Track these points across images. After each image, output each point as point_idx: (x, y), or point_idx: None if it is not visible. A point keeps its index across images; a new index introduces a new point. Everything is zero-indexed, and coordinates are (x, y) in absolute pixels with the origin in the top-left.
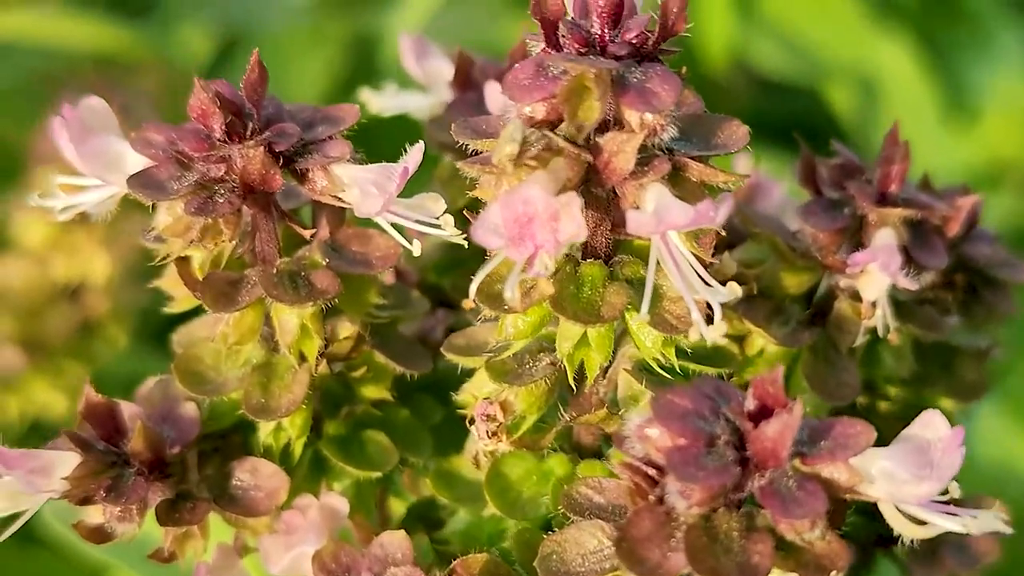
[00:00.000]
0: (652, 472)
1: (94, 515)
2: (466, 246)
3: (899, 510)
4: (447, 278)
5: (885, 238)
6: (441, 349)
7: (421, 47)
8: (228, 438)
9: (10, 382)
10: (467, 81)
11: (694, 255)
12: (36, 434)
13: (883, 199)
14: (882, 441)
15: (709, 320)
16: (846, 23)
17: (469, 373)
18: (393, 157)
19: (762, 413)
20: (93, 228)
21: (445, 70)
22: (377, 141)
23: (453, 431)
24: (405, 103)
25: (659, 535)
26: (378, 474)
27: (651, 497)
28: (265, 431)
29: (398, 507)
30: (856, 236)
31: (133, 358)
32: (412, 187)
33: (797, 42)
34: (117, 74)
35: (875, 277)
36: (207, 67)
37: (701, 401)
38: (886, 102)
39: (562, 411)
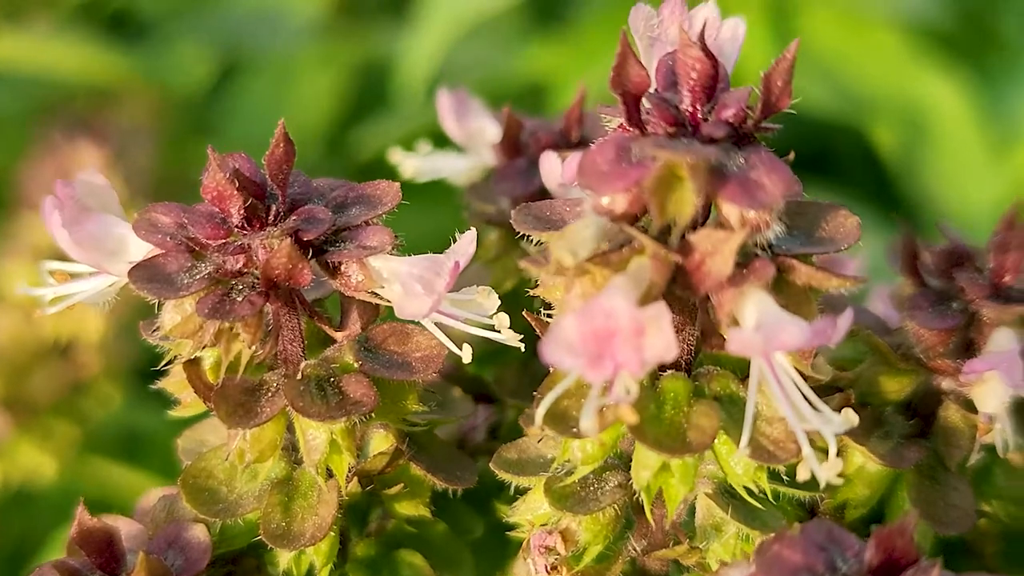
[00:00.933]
0: None
1: None
2: (522, 348)
3: None
4: (488, 368)
5: (1006, 341)
6: (491, 465)
7: (461, 105)
8: (241, 562)
9: None
10: (515, 145)
11: (796, 369)
12: (21, 501)
13: (999, 293)
14: (983, 565)
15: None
16: (889, 58)
17: (518, 488)
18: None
19: (887, 570)
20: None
21: (488, 130)
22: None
23: (495, 545)
24: (442, 167)
25: None
26: None
27: None
28: (285, 556)
29: None
30: (967, 334)
31: (129, 411)
32: None
33: (837, 75)
34: (112, 102)
35: (995, 387)
36: (208, 92)
37: (813, 553)
38: (929, 135)
39: (632, 539)
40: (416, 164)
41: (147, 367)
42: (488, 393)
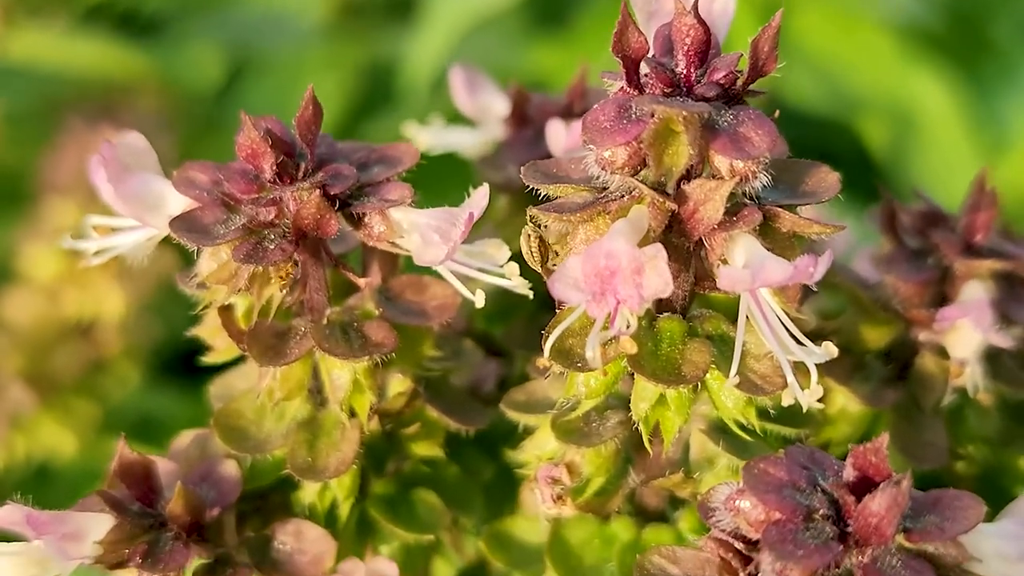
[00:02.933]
0: (742, 547)
1: None
2: (530, 296)
3: None
4: (497, 326)
5: (976, 291)
6: (500, 405)
7: (472, 81)
8: (268, 498)
9: (18, 421)
10: (523, 117)
11: (784, 311)
12: (41, 477)
13: (970, 249)
14: None
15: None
16: (880, 56)
17: (526, 430)
18: (431, 190)
19: (864, 485)
20: (106, 263)
21: (497, 105)
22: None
23: (503, 488)
24: (454, 140)
25: None
26: (430, 537)
27: (741, 574)
28: (310, 491)
29: (444, 570)
30: (941, 287)
31: (145, 395)
32: None
33: (829, 74)
34: (126, 98)
35: (966, 334)
36: (218, 91)
37: (796, 471)
38: (918, 135)
39: (631, 473)
40: (429, 137)
41: (164, 355)
42: (497, 347)
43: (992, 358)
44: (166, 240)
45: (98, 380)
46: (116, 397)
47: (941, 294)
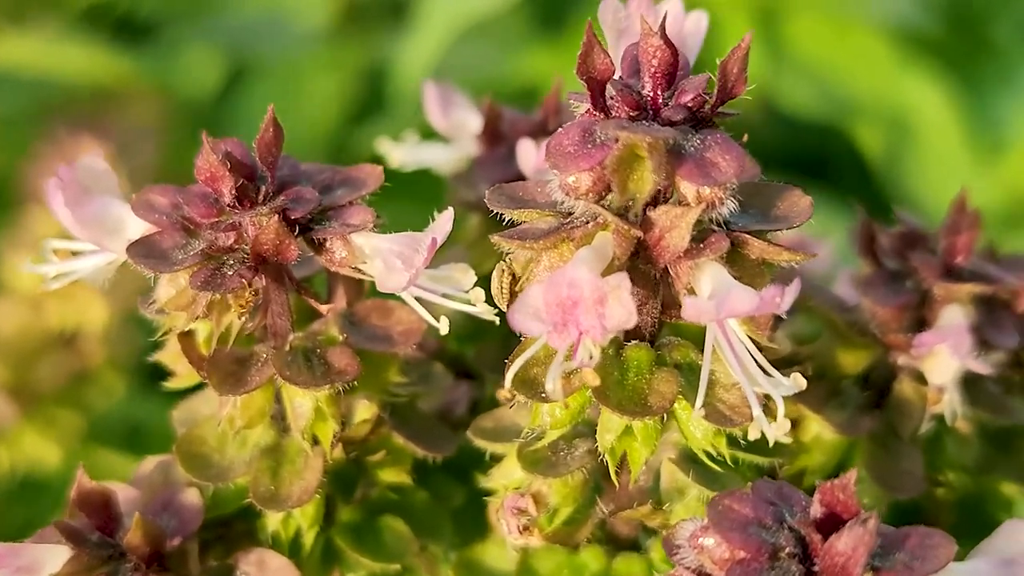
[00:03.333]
0: None
1: None
2: (497, 322)
3: None
4: (470, 347)
5: (954, 317)
6: (468, 433)
7: (445, 96)
8: (232, 525)
9: (1, 433)
10: (496, 135)
11: (752, 340)
12: (26, 489)
13: (949, 272)
14: None
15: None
16: (875, 61)
17: (495, 456)
18: (406, 205)
19: (831, 522)
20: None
21: (471, 122)
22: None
23: (475, 514)
24: (427, 157)
25: None
26: (396, 566)
27: None
28: (274, 519)
29: None
30: (920, 312)
31: (131, 404)
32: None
33: (824, 79)
34: (118, 104)
35: (944, 360)
36: (216, 96)
37: (762, 507)
38: (914, 139)
39: (599, 502)
40: (403, 154)
41: (149, 361)
42: (469, 370)
43: (972, 384)
44: None
45: (82, 390)
46: (101, 407)
47: (920, 318)
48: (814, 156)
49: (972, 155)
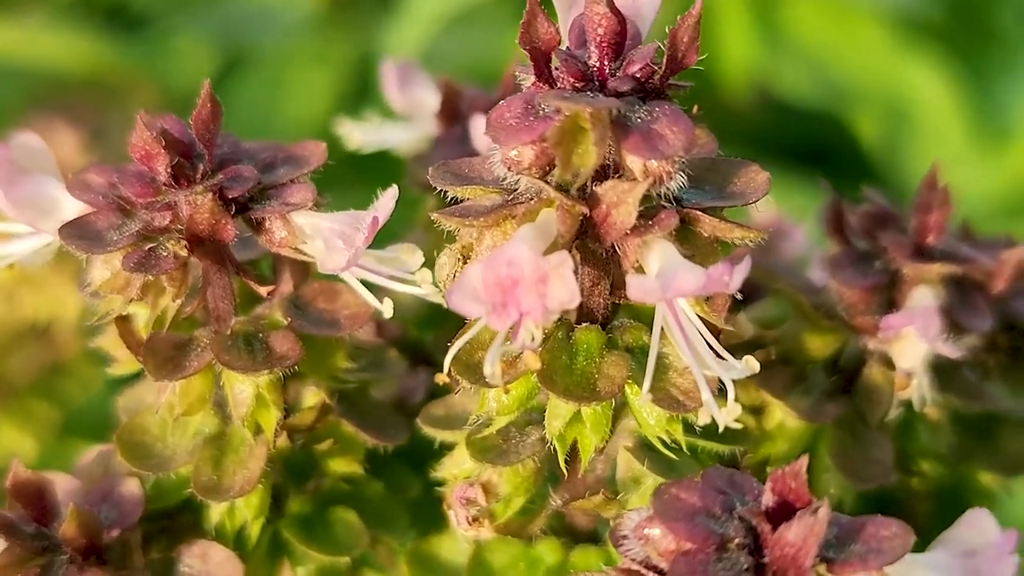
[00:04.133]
0: None
1: None
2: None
3: None
4: (429, 333)
5: (923, 298)
6: (417, 420)
7: (405, 75)
8: (177, 517)
9: None
10: (454, 114)
11: (705, 321)
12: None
13: (920, 252)
14: (914, 525)
15: (721, 395)
16: (873, 46)
17: (447, 445)
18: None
19: (782, 512)
20: (64, 263)
21: (430, 101)
22: (367, 173)
23: (433, 505)
24: (388, 137)
25: None
26: (346, 559)
27: None
28: (218, 511)
29: None
30: (889, 293)
31: (108, 395)
32: (397, 230)
33: (822, 66)
34: (108, 94)
35: (912, 344)
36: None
37: (711, 496)
38: (913, 127)
39: (552, 493)
40: (363, 135)
41: None
42: (428, 356)
43: (944, 369)
44: None
45: (58, 383)
46: (79, 400)
47: (889, 300)
48: (812, 143)
49: (974, 144)
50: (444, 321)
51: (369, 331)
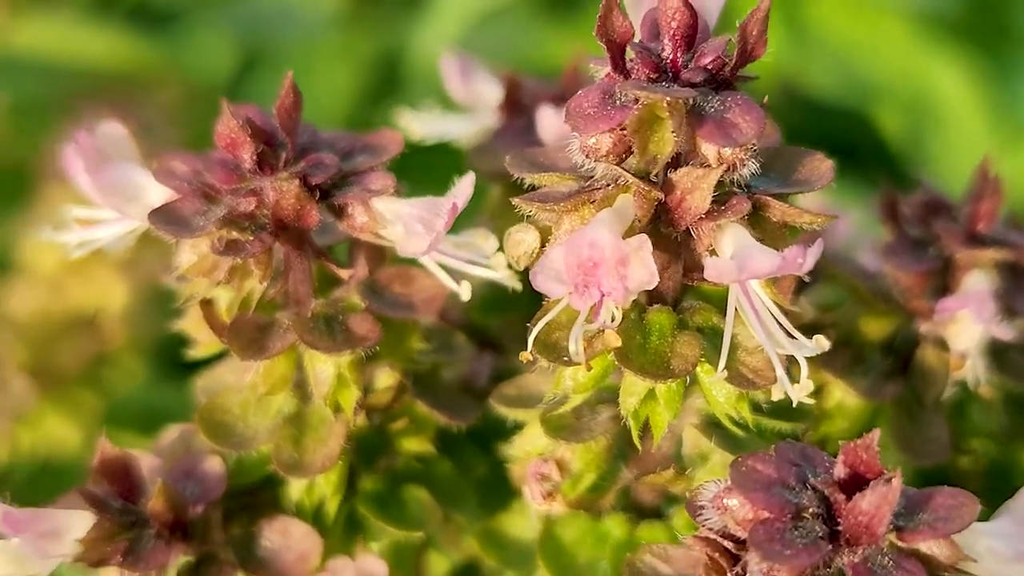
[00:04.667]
0: (730, 546)
1: None
2: (520, 288)
3: None
4: (493, 318)
5: (977, 282)
6: (490, 400)
7: (466, 68)
8: (256, 494)
9: (22, 415)
10: (516, 106)
11: (775, 303)
12: (47, 472)
13: (972, 239)
14: None
15: (789, 374)
16: (897, 44)
17: (518, 424)
18: (427, 182)
19: (855, 482)
20: (110, 254)
21: (491, 93)
22: (411, 165)
23: (498, 484)
24: (448, 129)
25: None
26: (419, 534)
27: (729, 574)
28: (297, 488)
29: (438, 565)
30: (943, 278)
31: (151, 387)
32: (457, 220)
33: (847, 63)
34: (135, 89)
35: (967, 325)
36: (229, 81)
37: (786, 468)
38: (936, 123)
39: (623, 468)
40: (423, 126)
41: (171, 348)
42: (492, 341)
43: (996, 351)
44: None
45: (102, 373)
46: (121, 390)
47: (943, 285)
48: (837, 139)
49: (995, 139)
50: (505, 307)
51: (433, 318)
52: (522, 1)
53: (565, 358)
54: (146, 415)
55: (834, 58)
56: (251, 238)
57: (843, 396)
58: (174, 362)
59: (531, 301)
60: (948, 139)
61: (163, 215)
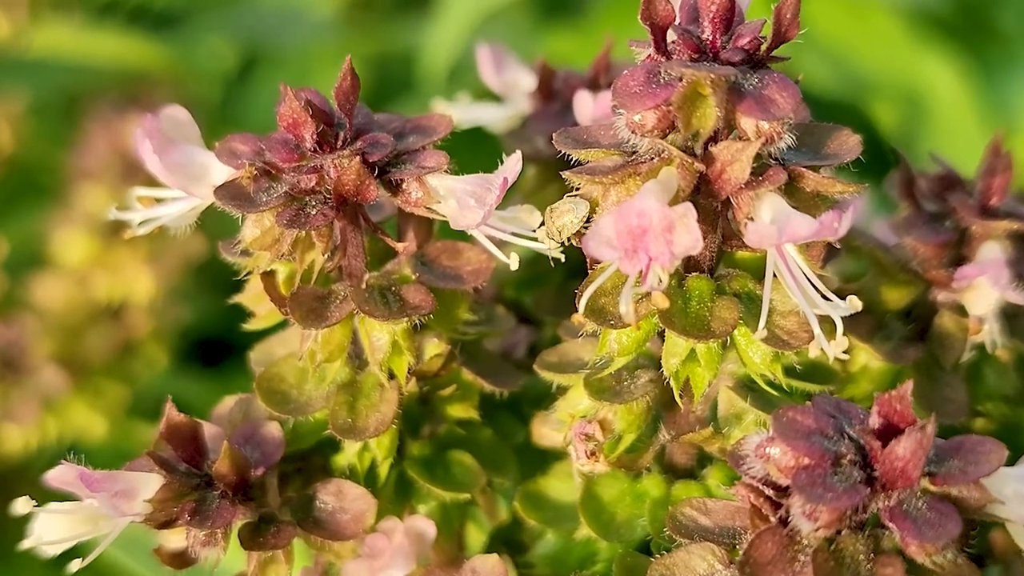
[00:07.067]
0: (772, 493)
1: (175, 540)
2: (562, 259)
3: None
4: (527, 294)
5: (993, 251)
6: (534, 367)
7: (499, 57)
8: (309, 459)
9: (50, 403)
10: (550, 91)
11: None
12: (73, 458)
13: (986, 211)
14: None
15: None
16: (890, 40)
17: (555, 392)
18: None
19: (889, 431)
20: (136, 246)
21: (524, 81)
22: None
23: (534, 451)
24: (481, 115)
25: (783, 558)
26: (467, 496)
27: (772, 519)
28: (350, 452)
29: (475, 533)
30: (959, 249)
31: (171, 378)
32: None
33: (841, 59)
34: (143, 89)
35: (984, 291)
36: (231, 83)
37: (824, 419)
38: (930, 117)
39: (662, 429)
40: (457, 113)
41: (188, 341)
42: (527, 315)
43: (1010, 317)
44: (207, 227)
45: (127, 362)
46: (145, 378)
47: (959, 255)
48: None
49: (985, 134)
50: (538, 283)
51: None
52: (522, 4)
53: (611, 321)
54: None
55: (828, 53)
56: (314, 212)
57: (867, 360)
58: (193, 355)
59: (564, 278)
60: (940, 132)
61: (228, 192)
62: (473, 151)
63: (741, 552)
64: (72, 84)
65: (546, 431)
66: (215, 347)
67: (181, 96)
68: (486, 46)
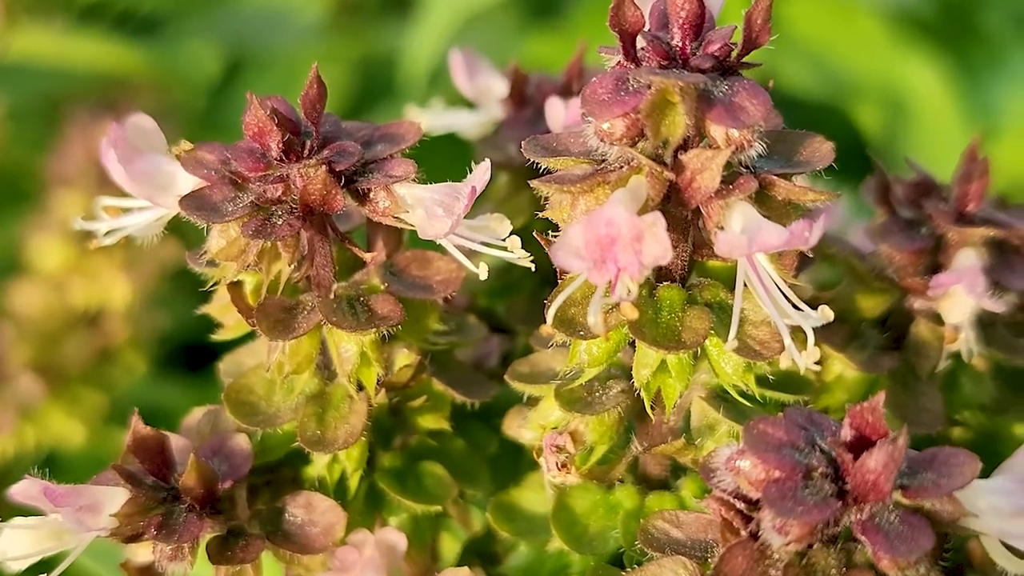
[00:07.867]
0: (743, 506)
1: (142, 554)
2: (533, 268)
3: (1005, 545)
4: (500, 302)
5: (968, 259)
6: (505, 377)
7: (472, 63)
8: (279, 471)
9: (27, 411)
10: (522, 98)
11: (781, 278)
12: (51, 466)
13: (962, 218)
14: None
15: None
16: (872, 42)
17: (528, 399)
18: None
19: (861, 443)
20: (113, 253)
21: (497, 87)
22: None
23: (506, 462)
24: (453, 121)
25: (754, 572)
26: (438, 508)
27: (743, 533)
28: (319, 464)
29: (449, 543)
30: (935, 257)
31: (150, 385)
32: None
33: (823, 61)
34: (125, 94)
35: (960, 300)
36: (216, 87)
37: (795, 431)
38: (912, 120)
39: (634, 441)
40: (430, 119)
41: (167, 348)
42: (500, 324)
43: (986, 326)
44: (170, 229)
45: (105, 370)
46: (122, 386)
47: (935, 263)
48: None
49: (967, 136)
50: (510, 292)
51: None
52: (504, 6)
53: (581, 332)
54: (146, 412)
55: (810, 55)
56: (280, 222)
57: (842, 369)
58: (169, 363)
59: (537, 286)
60: (922, 134)
61: (194, 201)
62: (450, 158)
63: (712, 566)
64: (53, 89)
65: (516, 424)
66: (200, 352)
67: (164, 102)
68: (459, 52)
